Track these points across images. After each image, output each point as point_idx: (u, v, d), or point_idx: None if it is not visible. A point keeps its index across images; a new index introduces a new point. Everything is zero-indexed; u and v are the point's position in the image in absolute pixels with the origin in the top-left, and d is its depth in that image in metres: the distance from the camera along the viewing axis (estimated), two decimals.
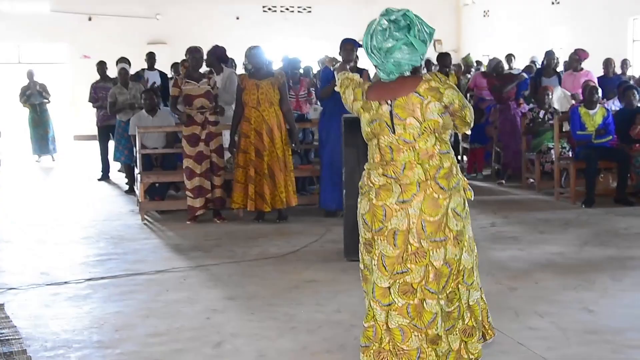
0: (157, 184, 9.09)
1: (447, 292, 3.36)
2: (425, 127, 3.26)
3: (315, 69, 12.90)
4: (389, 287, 3.34)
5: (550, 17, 18.04)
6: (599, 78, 11.10)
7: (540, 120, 10.12)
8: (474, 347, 3.47)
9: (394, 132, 3.30)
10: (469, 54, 16.49)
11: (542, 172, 10.12)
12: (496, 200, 9.65)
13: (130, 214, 9.12)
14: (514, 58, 14.01)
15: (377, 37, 3.31)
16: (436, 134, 3.28)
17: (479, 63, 15.76)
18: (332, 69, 8.38)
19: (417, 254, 3.29)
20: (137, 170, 9.02)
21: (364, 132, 3.46)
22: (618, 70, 11.64)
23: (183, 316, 5.17)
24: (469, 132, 3.26)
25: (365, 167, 3.49)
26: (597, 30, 15.85)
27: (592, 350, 4.37)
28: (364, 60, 11.40)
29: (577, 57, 10.72)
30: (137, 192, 9.17)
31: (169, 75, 12.41)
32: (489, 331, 3.68)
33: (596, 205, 8.89)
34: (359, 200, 3.50)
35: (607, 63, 11.18)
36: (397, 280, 3.32)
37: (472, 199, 3.47)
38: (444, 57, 11.29)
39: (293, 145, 8.30)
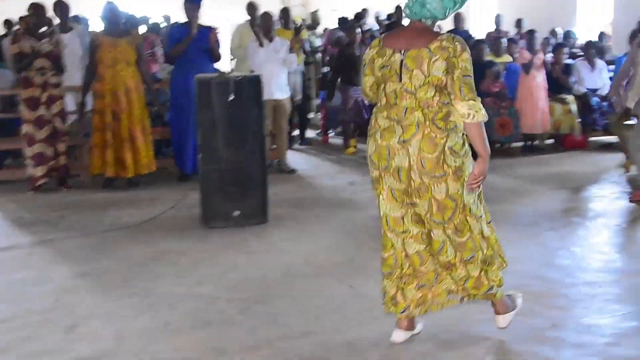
0: None
1: (455, 222, 3.63)
2: (428, 81, 3.52)
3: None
4: (403, 217, 3.70)
5: None
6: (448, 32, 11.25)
7: None
8: (495, 274, 3.75)
9: (400, 80, 3.57)
10: (317, 10, 16.18)
11: None
12: (356, 158, 9.61)
13: None
14: (367, 13, 13.79)
15: None
16: (437, 88, 3.53)
17: (342, 25, 14.67)
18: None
19: (420, 189, 3.60)
20: None
21: (375, 77, 3.69)
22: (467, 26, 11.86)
23: (29, 298, 4.74)
24: (463, 111, 3.34)
25: (373, 111, 3.75)
26: None
27: None
28: (208, 18, 11.03)
29: None
30: None
31: (2, 33, 11.50)
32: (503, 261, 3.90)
33: None
34: (367, 141, 3.76)
35: (457, 18, 11.32)
36: (409, 211, 3.69)
37: None
38: (284, 12, 10.55)
39: (155, 108, 8.00)
